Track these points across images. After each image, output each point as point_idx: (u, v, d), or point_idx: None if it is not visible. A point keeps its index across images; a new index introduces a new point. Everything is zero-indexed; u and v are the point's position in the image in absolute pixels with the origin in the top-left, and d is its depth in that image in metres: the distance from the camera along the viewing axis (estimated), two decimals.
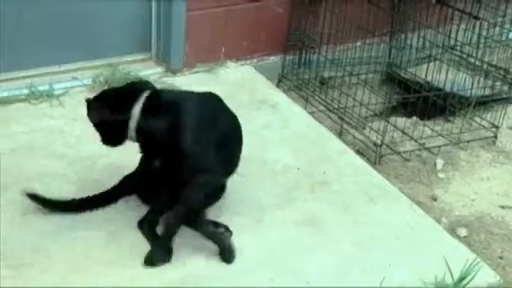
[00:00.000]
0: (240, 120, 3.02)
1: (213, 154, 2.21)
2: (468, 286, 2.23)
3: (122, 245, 2.27)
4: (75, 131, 2.82)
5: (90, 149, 2.69)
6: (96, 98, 2.28)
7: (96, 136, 2.32)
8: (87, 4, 3.18)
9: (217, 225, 2.35)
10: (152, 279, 2.15)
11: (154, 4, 3.32)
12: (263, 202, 2.54)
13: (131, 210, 2.40)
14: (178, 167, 2.21)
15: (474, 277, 2.24)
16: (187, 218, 2.21)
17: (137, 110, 2.18)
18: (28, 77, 3.13)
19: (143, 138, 2.24)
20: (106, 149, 2.55)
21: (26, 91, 3.05)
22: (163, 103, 2.23)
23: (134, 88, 2.28)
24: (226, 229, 2.36)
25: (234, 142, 2.38)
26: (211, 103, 2.36)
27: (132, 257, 2.22)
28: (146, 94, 2.22)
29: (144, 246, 2.25)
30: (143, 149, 2.30)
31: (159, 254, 2.19)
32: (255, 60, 3.58)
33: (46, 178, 2.55)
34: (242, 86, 3.37)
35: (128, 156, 2.39)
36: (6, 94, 3.02)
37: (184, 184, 2.19)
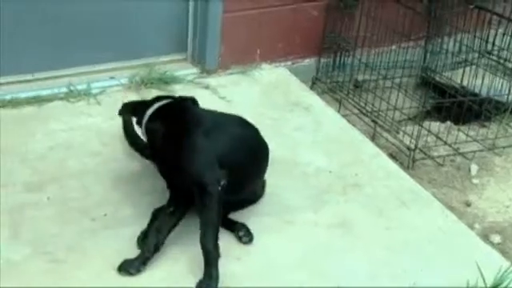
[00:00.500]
0: (273, 122, 3.07)
1: (211, 165, 2.21)
2: None
3: None
4: (112, 129, 2.87)
5: (126, 147, 2.74)
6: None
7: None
8: (125, 5, 3.23)
9: (239, 227, 2.37)
10: (182, 280, 2.18)
11: (190, 5, 3.36)
12: (295, 204, 2.56)
13: None
14: (175, 172, 2.27)
15: (508, 284, 2.22)
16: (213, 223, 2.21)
17: (148, 113, 2.39)
18: (67, 76, 3.20)
19: (148, 137, 2.41)
20: None
21: (64, 90, 3.12)
22: (168, 112, 2.40)
23: (163, 98, 2.49)
24: (247, 232, 2.37)
25: (252, 162, 2.39)
26: (225, 121, 2.42)
27: (166, 256, 2.24)
28: (159, 104, 2.41)
29: (176, 246, 2.27)
30: (150, 149, 2.45)
31: (209, 282, 2.14)
32: (290, 62, 3.59)
33: (83, 175, 2.60)
34: (276, 87, 3.39)
35: None
36: (45, 92, 3.08)
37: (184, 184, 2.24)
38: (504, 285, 2.22)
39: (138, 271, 2.17)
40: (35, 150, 2.73)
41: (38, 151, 2.72)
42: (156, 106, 2.41)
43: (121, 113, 2.59)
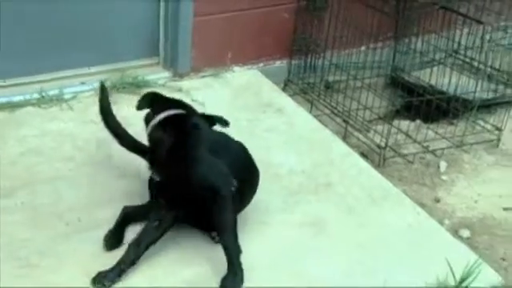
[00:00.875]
0: (246, 123, 3.09)
1: (222, 170, 2.25)
2: (470, 286, 2.26)
3: None
4: (85, 134, 2.87)
5: (98, 152, 2.75)
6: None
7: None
8: (97, 9, 3.22)
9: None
10: (163, 281, 2.19)
11: (162, 8, 3.37)
12: (267, 205, 2.58)
13: None
14: (180, 182, 2.26)
15: (475, 278, 2.28)
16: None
17: (156, 120, 2.41)
18: (38, 81, 3.19)
19: (151, 144, 2.41)
20: (115, 151, 2.62)
21: (36, 95, 3.11)
22: (176, 125, 2.39)
23: (180, 105, 2.50)
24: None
25: (248, 182, 2.42)
26: (228, 143, 2.43)
27: (145, 260, 2.24)
28: (169, 112, 2.41)
29: (154, 248, 2.27)
30: (149, 160, 2.41)
31: (233, 279, 2.19)
32: (261, 64, 3.62)
33: (55, 180, 2.60)
34: (247, 89, 3.41)
35: (139, 158, 2.45)
36: (17, 98, 3.07)
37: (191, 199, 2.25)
38: (472, 278, 2.27)
39: (113, 283, 2.16)
40: (7, 156, 2.71)
41: (10, 157, 2.71)
42: (163, 115, 2.40)
43: (140, 103, 2.50)
